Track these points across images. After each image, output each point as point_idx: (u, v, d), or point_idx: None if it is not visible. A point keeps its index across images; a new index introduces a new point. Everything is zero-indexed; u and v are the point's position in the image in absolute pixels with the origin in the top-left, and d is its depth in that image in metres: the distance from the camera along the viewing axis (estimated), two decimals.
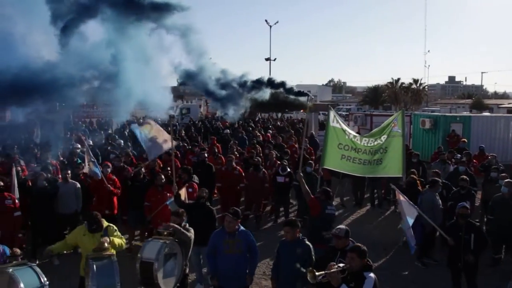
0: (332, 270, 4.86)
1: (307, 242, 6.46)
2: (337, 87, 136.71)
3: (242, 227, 6.84)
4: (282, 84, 13.88)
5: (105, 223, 6.57)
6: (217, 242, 6.72)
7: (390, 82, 73.92)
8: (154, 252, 6.12)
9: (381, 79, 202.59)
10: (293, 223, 6.54)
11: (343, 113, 43.80)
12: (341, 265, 4.99)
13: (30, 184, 10.22)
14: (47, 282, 5.55)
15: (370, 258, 5.35)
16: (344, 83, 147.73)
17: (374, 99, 70.60)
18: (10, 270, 5.37)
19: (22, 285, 5.23)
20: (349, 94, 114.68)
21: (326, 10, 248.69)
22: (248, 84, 13.57)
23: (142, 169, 11.13)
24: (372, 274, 5.04)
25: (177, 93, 47.04)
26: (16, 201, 9.22)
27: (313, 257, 6.41)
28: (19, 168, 11.30)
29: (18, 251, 5.80)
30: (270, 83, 13.83)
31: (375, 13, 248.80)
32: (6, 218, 8.83)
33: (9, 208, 8.98)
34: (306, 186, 8.59)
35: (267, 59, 53.81)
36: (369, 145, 11.35)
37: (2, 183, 9.16)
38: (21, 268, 5.51)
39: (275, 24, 53.77)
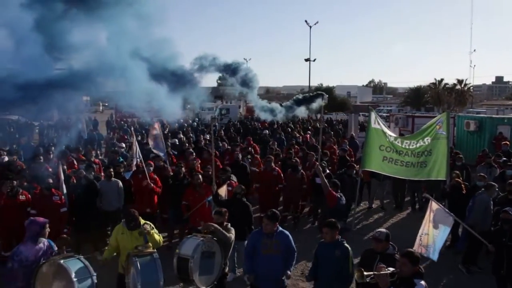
0: (382, 272, 4.78)
1: (346, 245, 6.40)
2: (377, 88, 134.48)
3: (280, 228, 6.84)
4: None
5: (142, 221, 6.70)
6: (255, 242, 6.75)
7: (433, 83, 71.94)
8: (191, 249, 6.24)
9: (424, 79, 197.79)
10: (333, 224, 6.49)
11: (384, 114, 43.02)
12: (391, 269, 4.89)
13: (74, 181, 10.56)
14: (95, 273, 5.73)
15: None
16: (385, 83, 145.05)
17: (416, 100, 68.87)
18: (61, 261, 5.57)
19: (73, 274, 5.43)
20: (390, 95, 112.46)
21: (367, 10, 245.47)
22: None
23: (182, 168, 11.29)
24: (423, 282, 4.90)
25: (217, 93, 47.42)
26: (63, 197, 9.57)
27: (352, 260, 6.33)
28: (64, 167, 11.68)
29: (64, 236, 5.98)
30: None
31: (417, 12, 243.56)
32: (53, 214, 9.15)
33: (56, 204, 9.32)
34: (325, 179, 9.38)
35: (306, 60, 53.57)
36: (411, 147, 11.16)
37: (51, 180, 9.51)
38: (70, 259, 5.71)
39: (315, 24, 53.46)
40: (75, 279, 5.40)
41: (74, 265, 5.62)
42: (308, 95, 14.71)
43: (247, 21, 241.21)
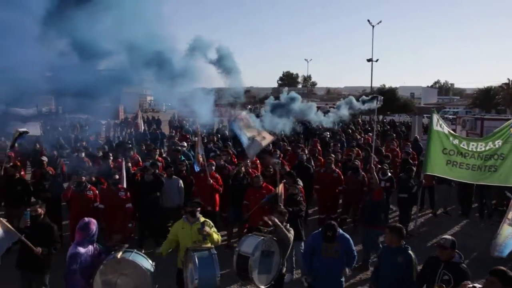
0: None
1: (409, 251, 6.19)
2: (443, 89, 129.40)
3: (341, 231, 6.74)
4: None
5: (202, 218, 6.80)
6: (314, 244, 6.70)
7: (505, 83, 68.01)
8: (251, 247, 6.31)
9: (495, 80, 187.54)
10: (397, 230, 6.32)
11: (450, 116, 41.41)
12: (478, 286, 4.65)
13: (138, 178, 10.92)
14: (154, 263, 5.98)
15: (476, 273, 4.95)
16: (452, 84, 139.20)
17: (485, 101, 65.49)
18: (130, 257, 5.85)
19: (144, 265, 5.75)
20: (456, 96, 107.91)
21: (433, 8, 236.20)
22: None
23: (243, 168, 11.38)
24: None
25: (277, 94, 47.50)
26: (128, 194, 9.92)
27: (416, 267, 6.11)
28: (129, 164, 12.12)
29: (118, 237, 6.20)
30: None
31: (487, 8, 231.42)
32: (119, 209, 9.53)
33: (122, 199, 9.70)
34: (377, 178, 10.16)
35: (369, 60, 52.56)
36: (478, 149, 10.66)
37: (117, 177, 9.91)
38: (133, 254, 5.97)
39: (378, 24, 52.27)
40: (146, 269, 5.70)
41: (140, 259, 5.90)
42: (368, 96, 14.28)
43: (308, 21, 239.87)
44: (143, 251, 9.36)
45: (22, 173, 11.63)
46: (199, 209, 6.79)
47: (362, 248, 9.69)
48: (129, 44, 10.14)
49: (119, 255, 5.91)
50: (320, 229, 6.82)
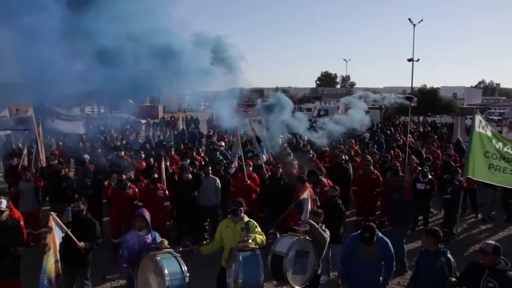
0: None
1: (449, 255, 6.03)
2: (488, 89, 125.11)
3: (380, 234, 6.63)
4: None
5: (246, 218, 6.84)
6: (352, 247, 6.62)
7: None
8: (286, 247, 6.26)
9: None
10: (436, 233, 6.17)
11: (495, 117, 39.98)
12: None
13: (177, 177, 11.08)
14: (188, 274, 5.93)
15: None
16: (497, 84, 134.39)
17: None
18: (158, 258, 5.88)
19: (166, 271, 5.69)
20: (503, 96, 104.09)
21: (476, 6, 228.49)
22: None
23: (280, 168, 11.37)
24: None
25: (316, 94, 47.27)
26: (166, 192, 10.09)
27: (456, 271, 5.94)
28: (168, 163, 12.32)
29: (165, 242, 6.31)
30: None
31: None
32: (157, 207, 9.70)
33: (160, 198, 9.87)
34: (409, 177, 10.17)
35: (409, 60, 51.48)
36: None
37: (156, 176, 10.09)
38: (167, 257, 5.99)
39: (419, 22, 51.10)
40: (167, 279, 5.67)
41: (169, 263, 5.88)
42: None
43: (347, 21, 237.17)
44: (180, 249, 9.62)
45: (66, 170, 12.02)
46: (241, 208, 6.82)
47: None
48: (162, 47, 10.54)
49: (154, 253, 6.04)
50: (358, 231, 6.73)
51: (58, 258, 6.45)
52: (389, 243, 6.62)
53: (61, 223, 6.68)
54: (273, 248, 6.43)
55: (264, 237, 6.79)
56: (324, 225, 6.96)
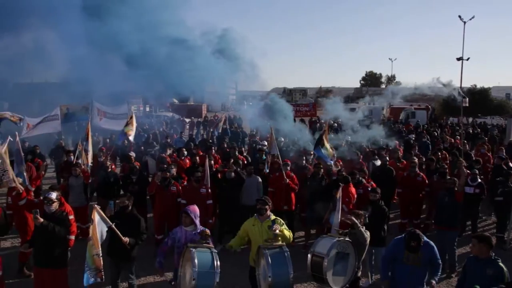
0: None
1: (500, 264, 5.74)
2: None
3: (425, 238, 6.43)
4: None
5: (273, 216, 6.81)
6: (396, 250, 6.45)
7: None
8: (326, 248, 6.21)
9: None
10: (488, 240, 5.90)
11: None
12: None
13: (220, 176, 11.17)
14: (219, 270, 5.94)
15: None
16: None
17: None
18: (193, 249, 5.96)
19: (196, 262, 5.78)
20: None
21: None
22: None
23: (321, 169, 11.27)
24: None
25: (360, 94, 46.60)
26: (209, 190, 10.19)
27: (508, 281, 5.66)
28: (212, 162, 12.44)
29: (208, 232, 6.39)
30: None
31: None
32: (200, 205, 9.80)
33: (203, 196, 9.99)
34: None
35: (459, 59, 49.78)
36: None
37: (199, 174, 10.22)
38: (202, 250, 6.05)
39: (470, 19, 49.34)
40: (195, 269, 5.74)
41: (202, 256, 5.93)
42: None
43: (393, 18, 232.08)
44: (221, 247, 9.69)
45: (113, 167, 12.37)
46: (266, 207, 6.79)
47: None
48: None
49: (193, 245, 6.12)
50: (403, 236, 6.55)
51: (99, 251, 6.61)
52: (435, 248, 6.41)
53: (105, 216, 6.86)
54: (312, 249, 6.38)
55: (291, 233, 6.74)
56: (365, 227, 6.84)
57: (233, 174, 10.67)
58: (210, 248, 6.17)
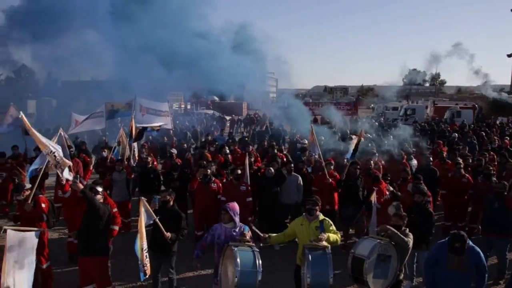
0: None
1: None
2: None
3: (471, 243, 6.22)
4: None
5: (321, 216, 6.76)
6: (439, 255, 6.26)
7: None
8: (367, 249, 6.14)
9: None
10: None
11: None
12: None
13: (260, 174, 11.19)
14: (261, 269, 5.94)
15: None
16: None
17: None
18: (235, 248, 5.99)
19: (238, 261, 5.81)
20: None
21: None
22: None
23: (358, 168, 11.10)
24: None
25: (403, 93, 45.63)
26: (249, 188, 10.23)
27: None
28: (252, 159, 12.48)
29: (248, 235, 6.40)
30: None
31: None
32: (240, 203, 9.84)
33: (242, 193, 10.04)
34: None
35: (509, 55, 47.91)
36: None
37: (239, 171, 10.27)
38: (244, 249, 6.08)
39: None
40: (238, 269, 5.76)
41: (244, 255, 5.95)
42: None
43: (438, 14, 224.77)
44: (261, 244, 9.72)
45: (155, 163, 12.62)
46: (316, 208, 6.76)
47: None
48: None
49: (235, 244, 6.15)
50: (447, 239, 6.35)
51: (144, 246, 6.74)
52: (481, 254, 6.18)
53: (150, 210, 7.00)
54: (353, 251, 6.30)
55: (339, 235, 6.68)
56: (408, 229, 6.68)
57: (272, 171, 10.66)
58: (251, 246, 6.19)
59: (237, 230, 6.61)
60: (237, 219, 6.72)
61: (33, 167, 8.94)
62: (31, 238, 6.70)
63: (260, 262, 5.96)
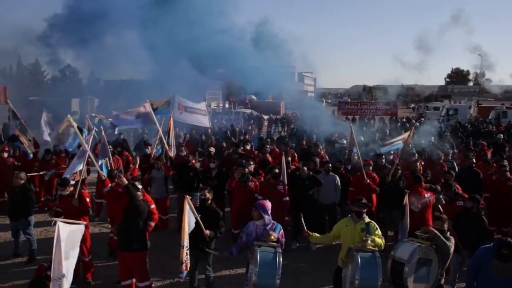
0: None
1: None
2: None
3: None
4: None
5: (367, 219, 6.68)
6: (483, 260, 6.02)
7: None
8: (407, 253, 6.02)
9: None
10: None
11: None
12: None
13: (297, 174, 11.12)
14: (280, 271, 5.91)
15: None
16: None
17: None
18: (257, 248, 6.00)
19: (258, 262, 5.83)
20: None
21: None
22: None
23: (399, 170, 10.87)
24: None
25: (444, 92, 44.49)
26: (286, 187, 10.19)
27: None
28: (289, 158, 12.43)
29: (273, 235, 6.37)
30: None
31: None
32: (276, 202, 9.84)
33: (280, 193, 10.02)
34: None
35: None
36: None
37: (277, 170, 10.26)
38: (266, 250, 6.06)
39: None
40: (256, 269, 5.78)
41: (265, 256, 5.95)
42: None
43: (483, 11, 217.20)
44: (297, 244, 9.67)
45: (193, 161, 12.74)
46: (365, 210, 6.69)
47: None
48: None
49: (259, 243, 6.15)
50: (491, 244, 6.10)
51: (184, 243, 6.80)
52: None
53: (193, 208, 7.06)
54: (393, 254, 6.17)
55: (383, 241, 6.54)
56: (449, 232, 6.48)
57: (306, 171, 10.57)
58: (275, 247, 6.16)
59: (267, 228, 6.60)
60: (267, 217, 6.69)
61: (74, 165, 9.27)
62: (78, 231, 6.99)
63: (281, 263, 5.94)
